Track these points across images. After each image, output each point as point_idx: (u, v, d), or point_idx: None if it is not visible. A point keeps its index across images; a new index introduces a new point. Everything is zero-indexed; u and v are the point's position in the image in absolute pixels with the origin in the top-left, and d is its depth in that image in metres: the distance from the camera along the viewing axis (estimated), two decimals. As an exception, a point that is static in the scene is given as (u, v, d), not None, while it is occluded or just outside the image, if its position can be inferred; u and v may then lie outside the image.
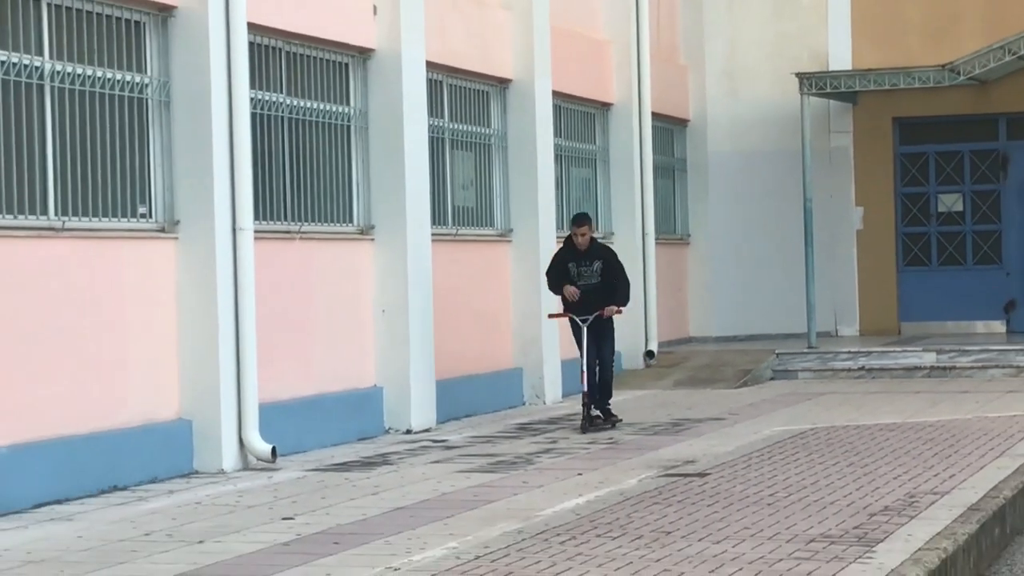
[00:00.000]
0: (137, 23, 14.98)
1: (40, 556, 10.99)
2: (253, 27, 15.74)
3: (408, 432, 18.37)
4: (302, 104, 17.50)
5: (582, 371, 18.25)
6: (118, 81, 14.67)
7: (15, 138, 13.44)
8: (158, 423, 14.93)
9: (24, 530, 12.15)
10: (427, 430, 18.58)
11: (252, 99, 15.82)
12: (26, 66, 13.49)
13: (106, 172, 14.55)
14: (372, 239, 18.50)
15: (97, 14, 14.42)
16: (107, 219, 14.49)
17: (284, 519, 12.40)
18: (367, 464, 15.74)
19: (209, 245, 15.19)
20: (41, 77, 13.72)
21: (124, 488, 14.16)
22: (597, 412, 18.53)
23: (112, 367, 14.39)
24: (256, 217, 15.79)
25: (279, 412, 16.09)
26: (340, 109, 18.25)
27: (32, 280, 13.44)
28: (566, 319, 19.02)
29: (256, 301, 15.53)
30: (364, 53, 18.45)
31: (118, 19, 14.71)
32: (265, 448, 15.44)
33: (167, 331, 15.08)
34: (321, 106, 17.88)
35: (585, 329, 18.43)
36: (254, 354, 15.45)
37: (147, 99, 15.07)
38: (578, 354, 18.61)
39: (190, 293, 15.19)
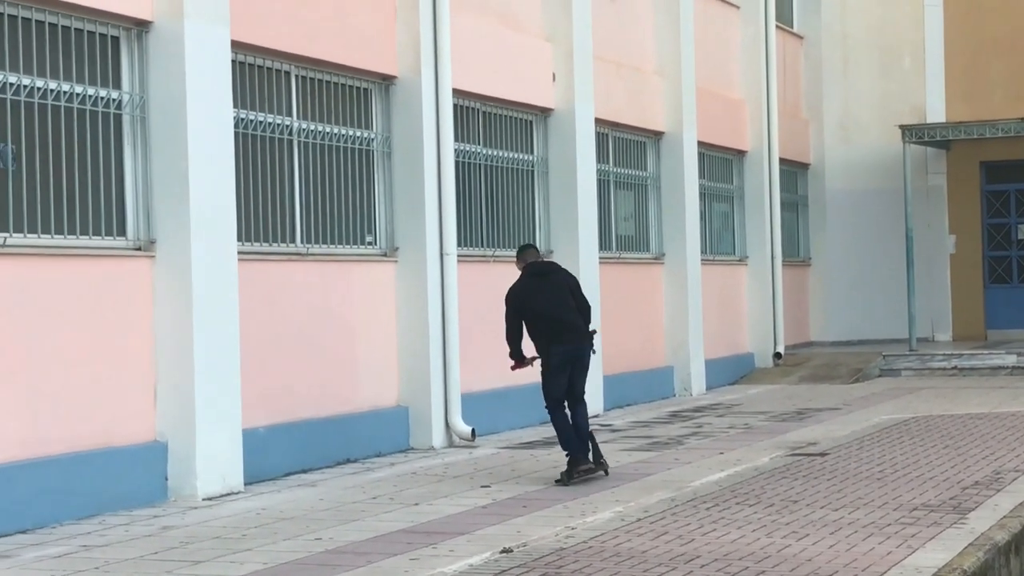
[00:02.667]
0: (365, 90, 15.30)
1: (291, 514, 11.24)
2: (457, 92, 15.95)
3: (581, 418, 18.43)
4: (495, 153, 17.69)
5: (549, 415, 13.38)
6: (351, 136, 14.99)
7: (271, 182, 13.82)
8: (382, 409, 15.15)
9: (277, 493, 12.40)
10: (596, 416, 18.54)
11: (456, 150, 16.04)
12: (278, 125, 13.89)
13: (341, 208, 14.85)
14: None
15: (335, 84, 14.77)
16: (342, 246, 14.79)
17: (482, 487, 12.54)
18: (547, 443, 15.77)
19: (421, 267, 15.42)
20: (291, 134, 14.08)
21: (355, 461, 14.38)
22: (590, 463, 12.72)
23: (346, 364, 14.64)
24: (459, 244, 15.97)
25: (477, 400, 16.22)
26: (526, 157, 18.41)
27: (284, 295, 13.76)
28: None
29: (459, 311, 15.76)
30: (545, 112, 18.58)
31: (349, 87, 15.04)
32: (466, 429, 15.62)
33: (389, 336, 15.30)
34: (511, 155, 18.06)
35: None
36: (457, 353, 15.64)
37: (373, 151, 15.36)
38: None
39: (407, 305, 15.41)
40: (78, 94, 11.51)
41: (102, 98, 11.76)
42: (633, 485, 12.40)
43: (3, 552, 9.84)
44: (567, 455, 12.66)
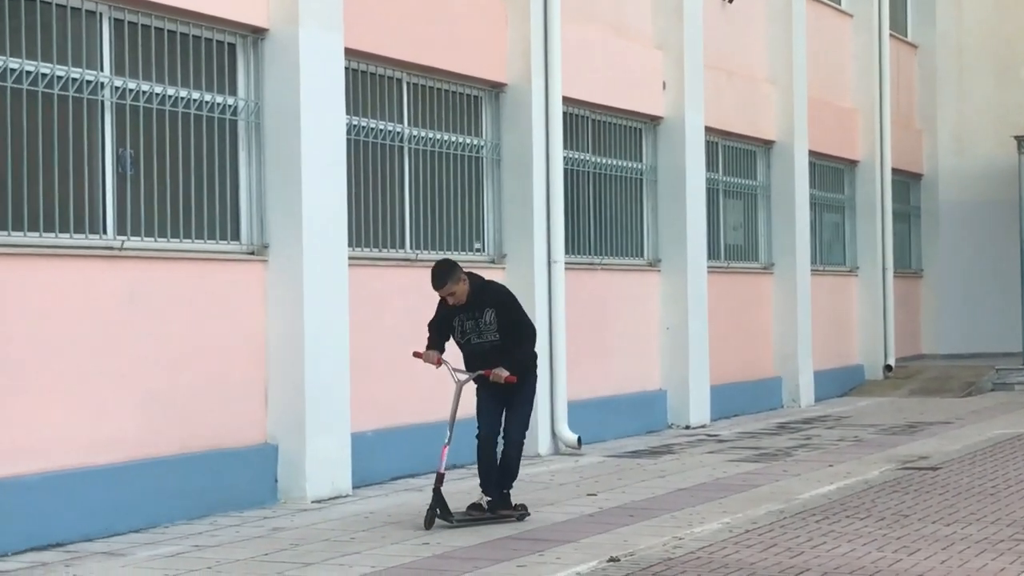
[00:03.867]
0: (476, 98, 15.43)
1: (398, 518, 11.33)
2: (567, 100, 16.01)
3: (687, 427, 18.41)
4: (604, 161, 17.73)
5: (444, 444, 10.81)
6: (461, 144, 15.14)
7: (382, 189, 13.99)
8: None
9: (385, 497, 12.52)
10: (702, 426, 18.61)
11: (565, 157, 16.09)
12: (389, 131, 14.04)
13: (450, 215, 14.99)
14: (659, 271, 18.61)
15: (446, 91, 14.94)
16: (451, 252, 14.82)
17: (588, 495, 12.56)
18: (654, 452, 15.85)
19: (529, 274, 15.49)
20: (402, 140, 14.22)
21: (461, 467, 14.46)
22: (482, 501, 10.92)
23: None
24: (566, 251, 16.03)
25: (583, 408, 16.27)
26: (634, 165, 18.43)
27: (392, 298, 13.89)
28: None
29: (566, 318, 15.81)
30: (654, 120, 18.58)
31: (462, 95, 15.19)
32: (572, 437, 15.68)
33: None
34: (619, 163, 18.09)
35: (459, 388, 10.94)
36: (564, 361, 15.70)
37: (483, 158, 15.49)
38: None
39: None
40: (195, 100, 11.74)
41: (218, 104, 11.99)
42: (741, 496, 12.37)
43: (118, 550, 10.02)
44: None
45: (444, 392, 14.39)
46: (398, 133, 14.22)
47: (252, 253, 12.23)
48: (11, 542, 9.82)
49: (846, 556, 9.44)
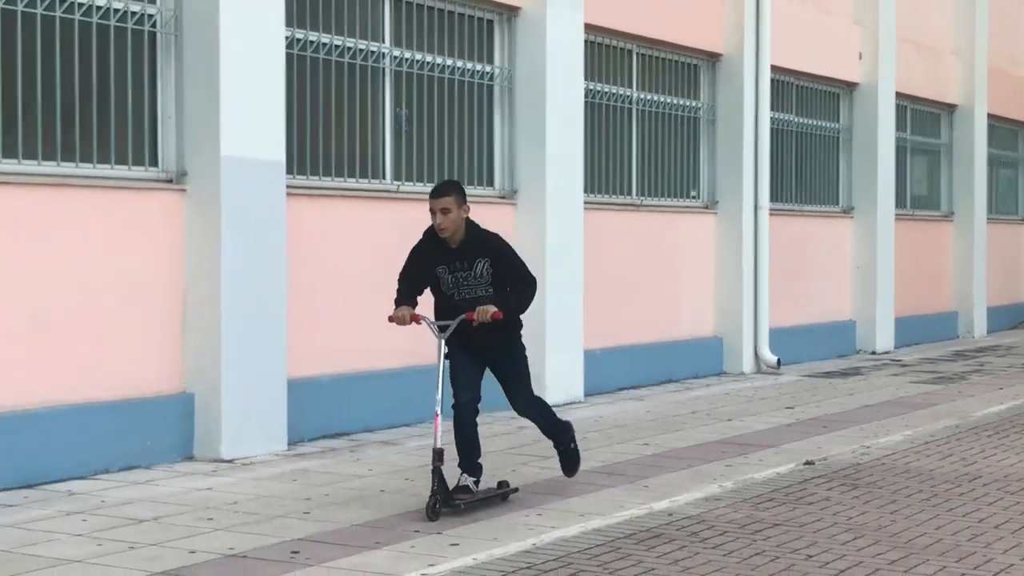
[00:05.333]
0: (695, 66, 15.34)
1: (623, 422, 11.50)
2: (774, 68, 15.83)
3: (873, 353, 18.16)
4: (805, 121, 17.50)
5: (436, 413, 7.49)
6: (679, 105, 15.06)
7: (613, 143, 14.03)
8: (700, 338, 15.25)
9: (611, 405, 12.67)
10: (887, 352, 18.34)
11: (771, 118, 15.93)
12: (620, 95, 14.08)
13: (670, 166, 14.97)
14: (851, 217, 18.33)
15: (669, 60, 14.87)
16: (670, 199, 14.93)
17: (786, 408, 12.55)
18: (844, 374, 15.71)
19: (738, 218, 15.43)
20: (631, 103, 14.25)
21: (676, 381, 14.55)
22: (465, 481, 7.75)
23: (670, 299, 14.80)
24: (771, 199, 15.87)
25: (783, 334, 16.16)
26: (832, 125, 18.17)
27: (620, 240, 13.97)
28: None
29: (769, 258, 15.73)
30: (850, 86, 18.25)
31: (676, 62, 15.07)
32: (772, 359, 15.61)
33: (707, 277, 15.39)
34: (818, 123, 17.83)
35: (442, 344, 7.67)
36: (767, 294, 15.60)
37: (700, 119, 15.43)
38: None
39: (724, 251, 15.44)
40: (460, 68, 11.95)
41: (477, 71, 12.16)
42: (920, 412, 12.23)
43: (391, 440, 10.35)
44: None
45: (661, 318, 14.62)
46: (627, 96, 14.23)
47: (503, 197, 12.41)
48: (307, 431, 10.22)
49: (1015, 466, 9.31)
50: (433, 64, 11.67)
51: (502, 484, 8.00)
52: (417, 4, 11.50)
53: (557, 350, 12.43)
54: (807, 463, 9.43)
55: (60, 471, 8.51)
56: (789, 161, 17.20)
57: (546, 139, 12.29)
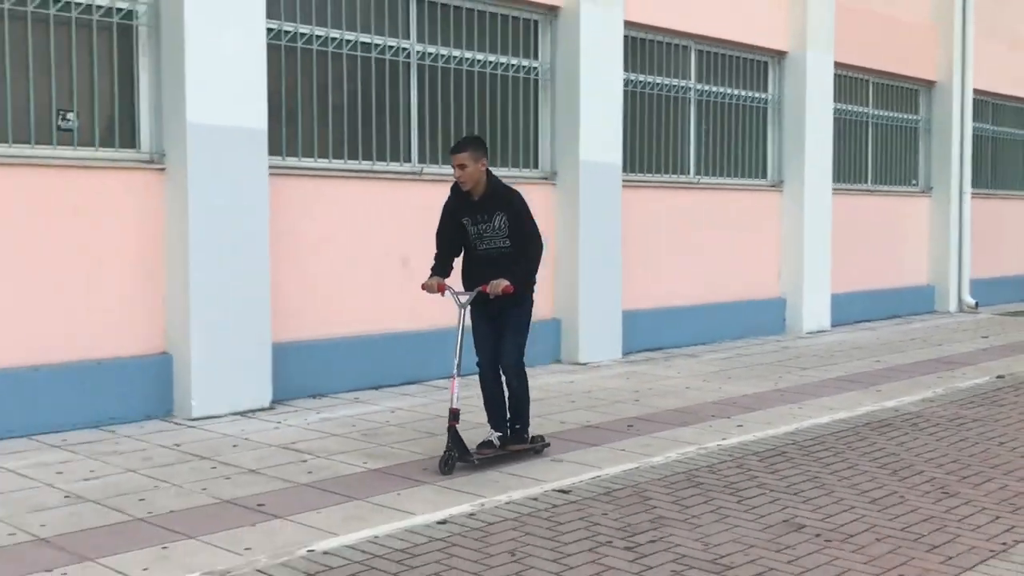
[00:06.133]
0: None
1: (859, 345, 11.09)
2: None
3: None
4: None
5: (452, 375, 5.72)
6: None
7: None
8: (917, 286, 14.53)
9: (850, 333, 12.17)
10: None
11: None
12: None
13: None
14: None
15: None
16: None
17: (982, 337, 11.88)
18: (1029, 313, 14.80)
19: (946, 201, 14.60)
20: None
21: (898, 317, 13.98)
22: (491, 437, 5.95)
23: (895, 257, 14.13)
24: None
25: (982, 284, 15.27)
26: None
27: (858, 215, 13.42)
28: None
29: (972, 232, 14.80)
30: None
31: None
32: (971, 301, 14.75)
33: (922, 243, 14.61)
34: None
35: (464, 313, 5.76)
36: (969, 252, 14.76)
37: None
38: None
39: (937, 226, 14.61)
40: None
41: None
42: (1090, 343, 11.39)
43: (691, 353, 10.34)
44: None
45: (889, 270, 13.89)
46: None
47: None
48: (635, 346, 10.21)
49: None
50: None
51: (536, 438, 6.08)
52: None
53: (814, 290, 12.14)
54: (999, 376, 9.00)
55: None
56: (986, 153, 16.04)
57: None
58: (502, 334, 5.79)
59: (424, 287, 5.78)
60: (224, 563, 4.15)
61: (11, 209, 6.50)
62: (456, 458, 5.62)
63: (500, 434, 5.92)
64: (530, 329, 5.87)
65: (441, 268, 5.85)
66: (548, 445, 6.14)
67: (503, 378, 5.83)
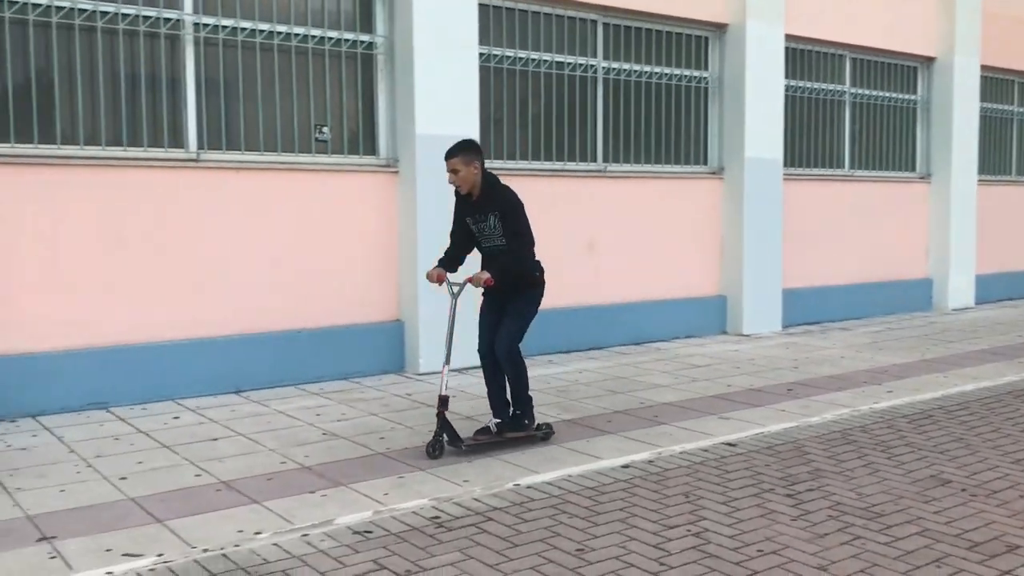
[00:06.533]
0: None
1: (1002, 320, 10.28)
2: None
3: None
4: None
5: (443, 364, 5.14)
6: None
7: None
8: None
9: (993, 310, 11.33)
10: None
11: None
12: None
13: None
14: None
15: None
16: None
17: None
18: None
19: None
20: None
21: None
22: (489, 423, 5.16)
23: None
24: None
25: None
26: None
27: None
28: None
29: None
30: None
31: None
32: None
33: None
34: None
35: (455, 301, 5.07)
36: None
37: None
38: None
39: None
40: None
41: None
42: None
43: (845, 327, 9.79)
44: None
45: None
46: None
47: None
48: (794, 319, 9.81)
49: None
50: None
51: (541, 426, 5.30)
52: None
53: (959, 272, 11.31)
54: None
55: (656, 336, 8.69)
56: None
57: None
58: (500, 322, 5.09)
59: (427, 276, 5.06)
60: (448, 492, 4.36)
61: (327, 207, 6.93)
62: (447, 442, 4.92)
63: (499, 420, 5.17)
64: (535, 318, 5.17)
65: (448, 262, 5.16)
66: (554, 433, 5.25)
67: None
